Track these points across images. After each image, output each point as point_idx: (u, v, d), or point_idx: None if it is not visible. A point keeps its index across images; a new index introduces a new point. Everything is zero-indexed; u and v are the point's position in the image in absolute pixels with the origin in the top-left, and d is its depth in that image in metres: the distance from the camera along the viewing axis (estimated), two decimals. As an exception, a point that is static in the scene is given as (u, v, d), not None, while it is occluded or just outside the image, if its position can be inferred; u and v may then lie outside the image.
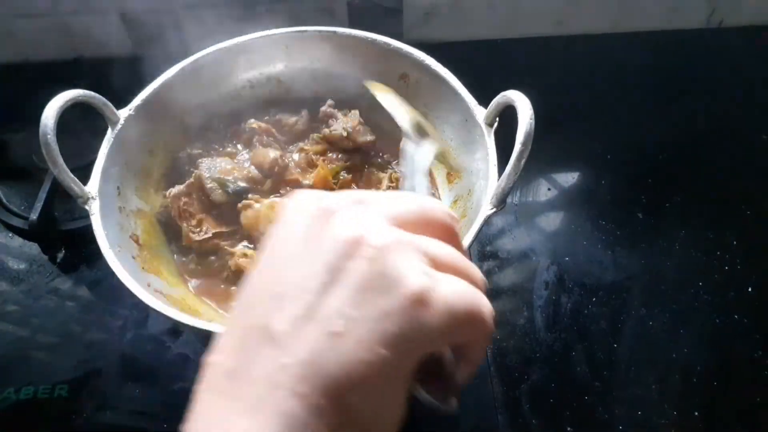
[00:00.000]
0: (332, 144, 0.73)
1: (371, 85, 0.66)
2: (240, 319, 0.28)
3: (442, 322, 0.25)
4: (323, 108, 0.75)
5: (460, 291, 0.26)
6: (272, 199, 0.66)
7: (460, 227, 0.30)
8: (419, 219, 0.29)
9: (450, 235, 0.30)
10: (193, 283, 0.65)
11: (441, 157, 0.59)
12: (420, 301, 0.25)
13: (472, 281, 0.28)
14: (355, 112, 0.74)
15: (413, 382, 0.27)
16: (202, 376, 0.27)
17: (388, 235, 0.26)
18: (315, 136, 0.74)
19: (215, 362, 0.27)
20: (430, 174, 0.71)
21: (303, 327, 0.25)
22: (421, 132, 0.58)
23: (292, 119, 0.76)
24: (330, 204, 0.28)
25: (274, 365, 0.24)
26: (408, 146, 0.52)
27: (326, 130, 0.73)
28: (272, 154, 0.69)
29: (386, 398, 0.26)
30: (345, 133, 0.72)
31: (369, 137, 0.73)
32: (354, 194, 0.29)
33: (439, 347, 0.29)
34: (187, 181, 0.67)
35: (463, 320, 0.26)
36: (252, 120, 0.74)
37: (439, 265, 0.27)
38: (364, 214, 0.27)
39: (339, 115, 0.74)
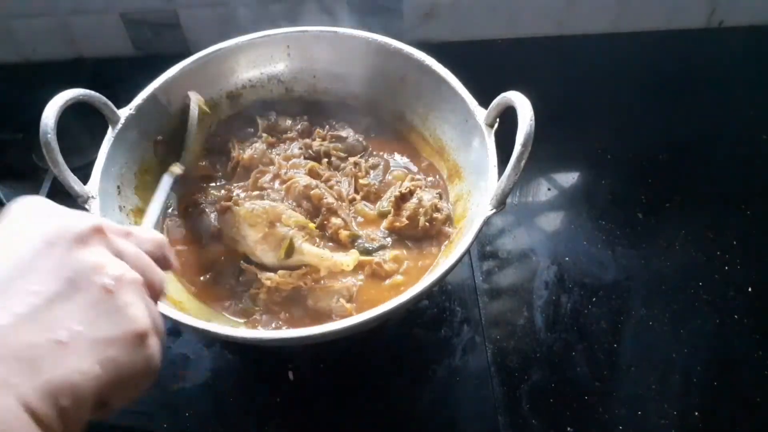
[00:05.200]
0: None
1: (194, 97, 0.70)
2: None
3: (157, 357, 0.31)
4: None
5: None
6: (250, 204, 0.63)
7: (167, 247, 0.37)
8: (138, 259, 0.34)
9: (156, 258, 0.36)
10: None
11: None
12: (143, 339, 0.29)
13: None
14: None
15: None
16: None
17: (124, 270, 0.30)
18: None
19: None
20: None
21: (24, 326, 0.26)
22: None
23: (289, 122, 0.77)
24: (79, 229, 0.30)
25: None
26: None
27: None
28: (303, 181, 0.67)
29: (87, 406, 0.27)
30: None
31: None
32: (94, 222, 0.31)
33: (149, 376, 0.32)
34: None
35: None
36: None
37: (153, 296, 0.33)
38: (106, 247, 0.31)
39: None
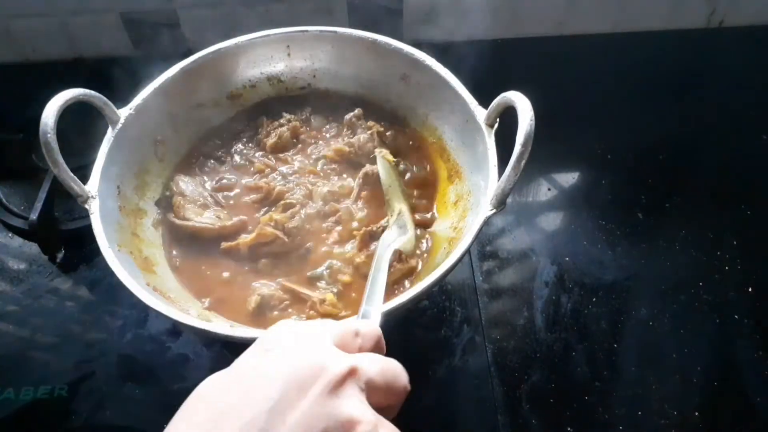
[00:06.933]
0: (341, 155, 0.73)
1: (381, 155, 0.69)
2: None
3: None
4: (348, 116, 0.75)
5: None
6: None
7: (382, 340, 0.35)
8: (385, 379, 0.32)
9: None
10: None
11: (404, 247, 0.61)
12: None
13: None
14: (373, 132, 0.72)
15: None
16: None
17: (374, 426, 0.28)
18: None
19: None
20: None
21: None
22: (400, 222, 0.63)
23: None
24: (335, 373, 0.29)
25: None
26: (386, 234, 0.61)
27: (344, 143, 0.73)
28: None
29: None
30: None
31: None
32: (350, 363, 0.30)
33: None
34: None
35: None
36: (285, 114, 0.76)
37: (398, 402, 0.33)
38: (360, 391, 0.29)
39: (359, 130, 0.73)
